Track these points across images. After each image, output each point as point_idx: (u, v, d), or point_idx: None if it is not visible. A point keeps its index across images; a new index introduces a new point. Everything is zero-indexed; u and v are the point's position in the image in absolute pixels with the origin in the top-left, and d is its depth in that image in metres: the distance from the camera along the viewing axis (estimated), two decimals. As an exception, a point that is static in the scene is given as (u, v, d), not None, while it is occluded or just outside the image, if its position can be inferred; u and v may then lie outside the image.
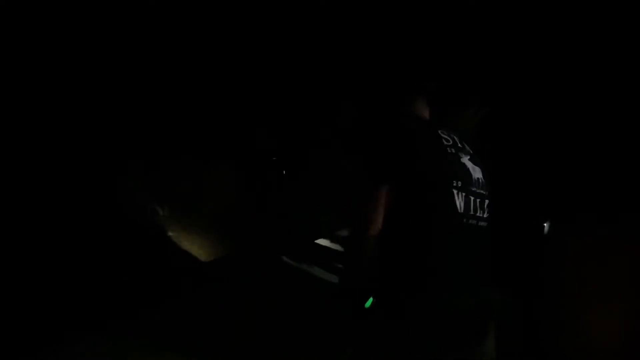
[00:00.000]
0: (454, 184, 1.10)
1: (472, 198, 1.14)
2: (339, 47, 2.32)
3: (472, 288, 1.12)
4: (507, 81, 1.97)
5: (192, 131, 1.92)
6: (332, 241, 1.82)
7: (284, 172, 2.19)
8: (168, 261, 1.61)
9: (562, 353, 1.70)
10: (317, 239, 1.86)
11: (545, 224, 1.78)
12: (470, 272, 1.13)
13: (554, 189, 1.80)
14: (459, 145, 1.20)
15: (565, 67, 1.81)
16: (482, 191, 1.19)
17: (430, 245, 1.07)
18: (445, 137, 1.17)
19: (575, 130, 1.80)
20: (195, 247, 1.74)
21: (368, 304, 1.15)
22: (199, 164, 1.92)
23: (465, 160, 1.17)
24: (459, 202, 1.09)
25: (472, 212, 1.13)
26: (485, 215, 1.20)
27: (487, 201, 1.23)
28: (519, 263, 1.82)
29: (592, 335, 1.64)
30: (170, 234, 1.71)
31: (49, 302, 1.38)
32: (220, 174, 2.01)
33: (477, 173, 1.20)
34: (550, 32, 1.86)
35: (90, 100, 1.67)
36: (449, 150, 1.14)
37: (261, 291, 1.55)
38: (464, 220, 1.11)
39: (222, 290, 1.53)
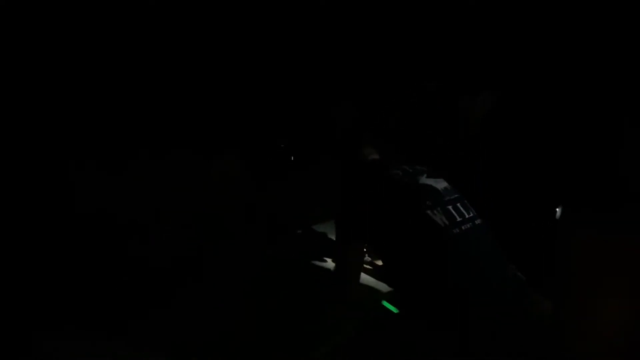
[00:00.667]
0: (424, 206, 1.13)
1: (449, 207, 1.16)
2: (339, 46, 2.32)
3: (494, 294, 1.10)
4: (516, 71, 1.96)
5: (196, 121, 1.92)
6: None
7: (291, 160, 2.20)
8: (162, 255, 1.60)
9: (571, 344, 1.71)
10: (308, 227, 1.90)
11: (557, 209, 1.79)
12: (484, 274, 1.11)
13: (566, 176, 1.81)
14: (410, 170, 1.27)
15: (569, 57, 1.81)
16: (455, 195, 1.23)
17: (436, 268, 1.08)
18: (395, 171, 1.24)
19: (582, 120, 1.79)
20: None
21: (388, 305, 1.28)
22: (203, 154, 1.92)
23: (423, 179, 1.23)
24: (439, 218, 1.11)
25: (458, 219, 1.15)
26: (470, 214, 1.21)
27: (464, 200, 1.25)
28: (531, 250, 1.83)
29: (603, 324, 1.65)
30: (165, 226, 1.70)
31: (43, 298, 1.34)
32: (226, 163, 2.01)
33: (440, 183, 1.24)
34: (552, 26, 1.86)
35: (96, 89, 1.68)
36: (403, 182, 1.21)
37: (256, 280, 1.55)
38: (453, 230, 1.12)
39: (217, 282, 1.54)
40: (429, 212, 1.12)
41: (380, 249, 1.27)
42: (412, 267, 1.12)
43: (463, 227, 1.14)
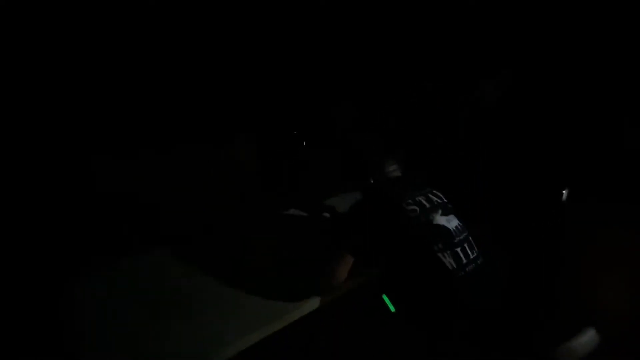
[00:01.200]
0: (436, 248, 1.21)
1: (458, 250, 1.24)
2: (339, 46, 2.32)
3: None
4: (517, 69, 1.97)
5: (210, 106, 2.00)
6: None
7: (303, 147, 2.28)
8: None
9: (579, 320, 1.73)
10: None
11: (564, 191, 1.78)
12: (483, 312, 1.20)
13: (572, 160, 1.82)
14: (427, 205, 1.31)
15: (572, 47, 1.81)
16: (463, 235, 1.31)
17: (448, 308, 1.18)
18: (412, 207, 1.29)
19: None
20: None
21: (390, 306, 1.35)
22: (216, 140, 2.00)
23: (437, 217, 1.29)
24: (448, 261, 1.20)
25: (464, 262, 1.23)
26: (474, 254, 1.30)
27: (470, 238, 1.33)
28: (531, 248, 1.84)
29: (611, 301, 1.66)
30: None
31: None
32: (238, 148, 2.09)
33: (452, 222, 1.31)
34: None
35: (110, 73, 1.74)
36: (419, 220, 1.27)
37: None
38: (461, 273, 1.21)
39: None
40: (439, 255, 1.21)
41: (387, 274, 1.35)
42: (418, 300, 1.24)
43: (467, 269, 1.22)
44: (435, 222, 1.27)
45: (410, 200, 1.31)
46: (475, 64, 2.16)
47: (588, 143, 1.80)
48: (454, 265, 1.20)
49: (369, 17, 2.31)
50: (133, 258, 1.51)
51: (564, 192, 1.79)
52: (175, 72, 1.86)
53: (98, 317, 1.16)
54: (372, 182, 1.51)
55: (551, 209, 1.86)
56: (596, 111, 1.78)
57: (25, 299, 1.26)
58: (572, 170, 1.85)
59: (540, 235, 1.86)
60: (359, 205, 1.39)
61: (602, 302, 1.68)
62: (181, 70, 1.88)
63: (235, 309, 1.20)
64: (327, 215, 1.84)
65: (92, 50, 1.67)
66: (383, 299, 1.37)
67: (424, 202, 1.33)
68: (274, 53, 2.15)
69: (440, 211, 1.31)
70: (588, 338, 1.18)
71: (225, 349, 1.05)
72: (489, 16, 2.08)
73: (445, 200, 1.39)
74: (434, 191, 1.41)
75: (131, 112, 1.77)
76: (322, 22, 2.23)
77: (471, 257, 1.26)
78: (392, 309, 1.35)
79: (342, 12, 2.25)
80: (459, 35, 2.19)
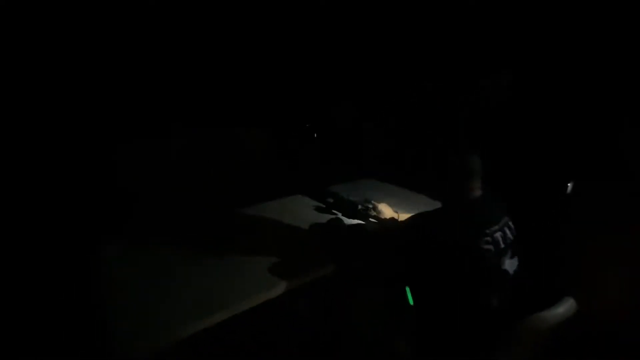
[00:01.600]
0: (490, 292, 1.19)
1: (505, 293, 1.22)
2: (340, 46, 2.32)
3: None
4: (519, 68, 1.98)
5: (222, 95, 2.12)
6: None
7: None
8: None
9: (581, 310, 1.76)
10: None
11: (569, 184, 1.79)
12: None
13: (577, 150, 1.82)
14: (502, 245, 1.19)
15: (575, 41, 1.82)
16: (518, 279, 1.25)
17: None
18: (488, 247, 1.16)
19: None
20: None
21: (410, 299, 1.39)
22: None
23: (506, 261, 1.20)
24: (494, 301, 1.20)
25: (506, 301, 1.23)
26: (519, 295, 1.26)
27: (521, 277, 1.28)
28: (543, 222, 1.86)
29: (612, 292, 1.69)
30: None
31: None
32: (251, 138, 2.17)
33: (514, 265, 1.24)
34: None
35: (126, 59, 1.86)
36: (489, 263, 1.17)
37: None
38: (498, 310, 1.21)
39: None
40: (490, 296, 1.20)
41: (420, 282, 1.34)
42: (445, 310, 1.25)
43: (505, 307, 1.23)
44: (502, 268, 1.20)
45: (488, 238, 1.16)
46: (475, 64, 2.17)
47: (588, 142, 1.81)
48: (496, 304, 1.21)
49: (369, 17, 2.30)
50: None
51: (568, 185, 1.79)
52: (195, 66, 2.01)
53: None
54: (449, 203, 1.30)
55: (554, 206, 1.87)
56: (595, 110, 1.80)
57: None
58: (573, 168, 1.86)
59: (543, 233, 1.87)
60: (431, 224, 1.25)
61: (602, 300, 1.70)
62: (201, 65, 2.02)
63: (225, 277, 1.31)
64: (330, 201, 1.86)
65: (121, 38, 1.80)
66: (405, 290, 1.40)
67: (500, 240, 1.19)
68: (281, 50, 2.19)
69: (509, 253, 1.22)
70: (563, 309, 1.16)
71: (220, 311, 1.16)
72: (488, 16, 2.09)
73: (515, 236, 1.25)
74: (510, 222, 1.26)
75: (151, 101, 1.91)
76: (322, 22, 2.23)
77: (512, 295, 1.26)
78: (411, 302, 1.37)
79: (342, 12, 2.25)
80: (458, 35, 2.19)
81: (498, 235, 1.19)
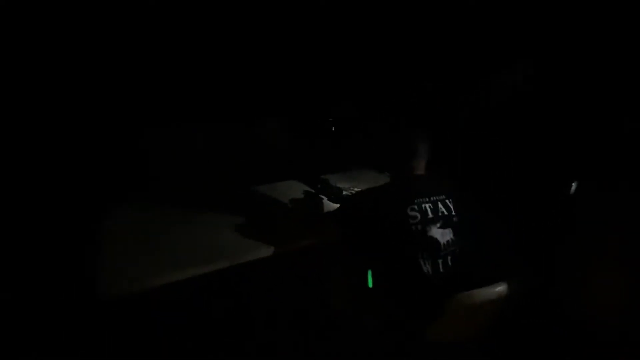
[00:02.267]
0: (419, 255, 1.35)
1: (439, 261, 1.37)
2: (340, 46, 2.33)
3: None
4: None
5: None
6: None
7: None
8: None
9: (583, 311, 1.77)
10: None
11: (573, 184, 1.80)
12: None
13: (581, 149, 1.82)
14: (430, 215, 1.38)
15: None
16: (452, 249, 1.41)
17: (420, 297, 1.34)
18: (414, 214, 1.36)
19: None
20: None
21: (370, 282, 1.53)
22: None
23: (433, 229, 1.37)
24: (426, 268, 1.35)
25: (441, 270, 1.37)
26: (457, 267, 1.40)
27: (458, 250, 1.43)
28: (545, 224, 1.86)
29: (612, 293, 1.69)
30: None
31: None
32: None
33: (446, 236, 1.40)
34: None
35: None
36: (415, 228, 1.35)
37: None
38: (435, 280, 1.35)
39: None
40: (420, 260, 1.35)
41: (374, 257, 1.49)
42: (396, 286, 1.41)
43: (442, 277, 1.36)
44: (429, 234, 1.36)
45: (415, 207, 1.36)
46: (475, 64, 2.17)
47: (590, 140, 1.80)
48: (430, 272, 1.35)
49: (369, 17, 2.31)
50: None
51: (572, 184, 1.79)
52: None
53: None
54: (390, 177, 1.54)
55: (556, 206, 1.86)
56: (598, 108, 1.78)
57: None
58: (576, 166, 1.85)
59: (545, 232, 1.86)
60: (366, 196, 1.46)
61: (603, 300, 1.69)
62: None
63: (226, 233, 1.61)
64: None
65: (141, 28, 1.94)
66: (367, 273, 1.56)
67: (429, 210, 1.38)
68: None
69: (439, 224, 1.38)
70: (494, 290, 1.25)
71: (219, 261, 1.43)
72: (488, 16, 2.09)
73: (453, 213, 1.42)
74: (448, 200, 1.43)
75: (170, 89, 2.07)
76: (322, 22, 2.24)
77: (449, 268, 1.38)
78: (370, 284, 1.53)
79: (342, 12, 2.26)
80: (459, 35, 2.19)
81: (427, 206, 1.38)
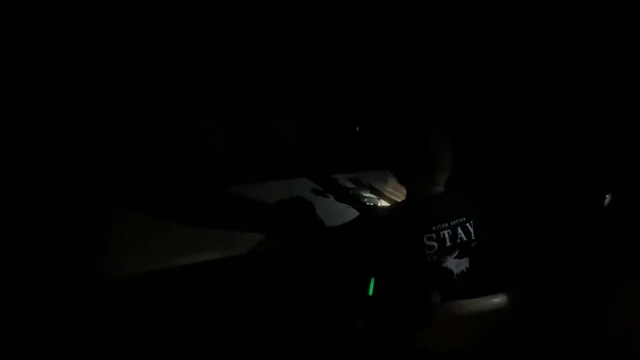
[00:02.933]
0: (431, 288, 1.25)
1: (449, 290, 1.27)
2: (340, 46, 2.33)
3: None
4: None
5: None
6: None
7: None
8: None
9: (614, 330, 1.68)
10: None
11: (607, 196, 1.70)
12: None
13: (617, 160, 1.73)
14: (448, 244, 1.23)
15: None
16: (463, 279, 1.30)
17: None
18: (431, 244, 1.21)
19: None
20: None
21: (370, 290, 1.48)
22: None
23: (449, 260, 1.25)
24: (436, 298, 1.25)
25: (449, 297, 1.26)
26: (466, 290, 1.29)
27: (470, 275, 1.32)
28: (575, 237, 1.80)
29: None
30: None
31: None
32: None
33: (461, 266, 1.28)
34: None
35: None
36: (430, 259, 1.22)
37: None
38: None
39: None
40: (430, 290, 1.26)
41: (381, 273, 1.41)
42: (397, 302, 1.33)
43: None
44: (443, 265, 1.23)
45: (433, 235, 1.21)
46: (475, 64, 2.16)
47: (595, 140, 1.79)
48: (438, 302, 1.26)
49: (369, 17, 2.31)
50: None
51: (606, 197, 1.69)
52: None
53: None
54: (409, 196, 1.36)
55: (562, 209, 1.83)
56: (598, 108, 1.77)
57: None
58: (581, 167, 1.82)
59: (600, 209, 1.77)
60: (382, 222, 1.29)
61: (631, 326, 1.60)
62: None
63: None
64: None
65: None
66: (369, 280, 1.51)
67: (447, 238, 1.23)
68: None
69: (456, 253, 1.24)
70: (488, 301, 1.20)
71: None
72: (488, 16, 2.08)
73: (472, 238, 1.28)
74: (468, 224, 1.28)
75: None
76: (321, 22, 2.24)
77: (458, 289, 1.29)
78: (370, 292, 1.47)
79: (342, 12, 2.25)
80: (458, 35, 2.19)
81: (445, 233, 1.22)
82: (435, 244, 1.20)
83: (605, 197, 1.70)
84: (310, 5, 2.18)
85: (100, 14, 1.90)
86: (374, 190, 2.06)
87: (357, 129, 2.49)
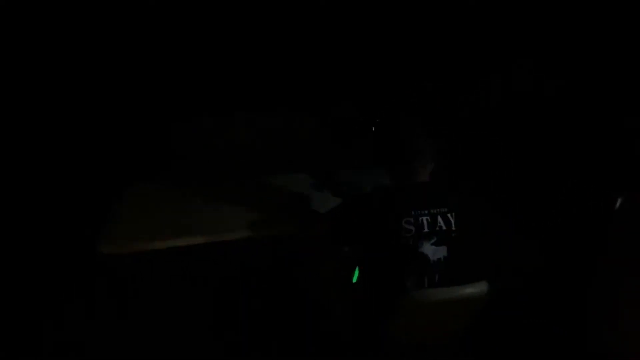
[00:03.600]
0: (406, 271, 1.29)
1: (425, 278, 1.30)
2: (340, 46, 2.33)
3: None
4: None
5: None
6: None
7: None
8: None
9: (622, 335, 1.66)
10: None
11: (618, 199, 1.68)
12: None
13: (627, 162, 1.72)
14: (425, 230, 1.29)
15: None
16: (442, 266, 1.32)
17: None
18: (409, 227, 1.28)
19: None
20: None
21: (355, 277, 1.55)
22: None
23: (426, 246, 1.29)
24: (410, 282, 1.28)
25: (426, 286, 1.30)
26: (445, 283, 1.31)
27: (450, 268, 1.33)
28: (587, 237, 1.78)
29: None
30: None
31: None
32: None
33: (438, 254, 1.31)
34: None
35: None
36: (406, 242, 1.28)
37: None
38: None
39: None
40: (404, 274, 1.30)
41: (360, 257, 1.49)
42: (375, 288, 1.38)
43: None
44: (419, 250, 1.28)
45: (411, 219, 1.28)
46: (475, 64, 2.16)
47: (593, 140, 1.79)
48: (413, 287, 1.30)
49: (369, 17, 2.31)
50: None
51: (618, 200, 1.67)
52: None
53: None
54: (390, 182, 1.44)
55: (560, 211, 1.83)
56: (598, 107, 1.77)
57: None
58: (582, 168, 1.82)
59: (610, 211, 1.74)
60: (363, 202, 1.38)
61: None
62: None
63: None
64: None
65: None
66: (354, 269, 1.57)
67: (425, 224, 1.28)
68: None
69: (433, 239, 1.29)
70: (454, 291, 1.22)
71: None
72: (489, 16, 2.08)
73: (452, 229, 1.31)
74: (450, 214, 1.31)
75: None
76: (321, 22, 2.24)
77: (436, 282, 1.31)
78: (354, 279, 1.55)
79: (341, 11, 2.26)
80: (458, 35, 2.19)
81: (424, 219, 1.29)
82: (413, 228, 1.27)
83: (605, 197, 1.70)
84: (310, 5, 2.18)
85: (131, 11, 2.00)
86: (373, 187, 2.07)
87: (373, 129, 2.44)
